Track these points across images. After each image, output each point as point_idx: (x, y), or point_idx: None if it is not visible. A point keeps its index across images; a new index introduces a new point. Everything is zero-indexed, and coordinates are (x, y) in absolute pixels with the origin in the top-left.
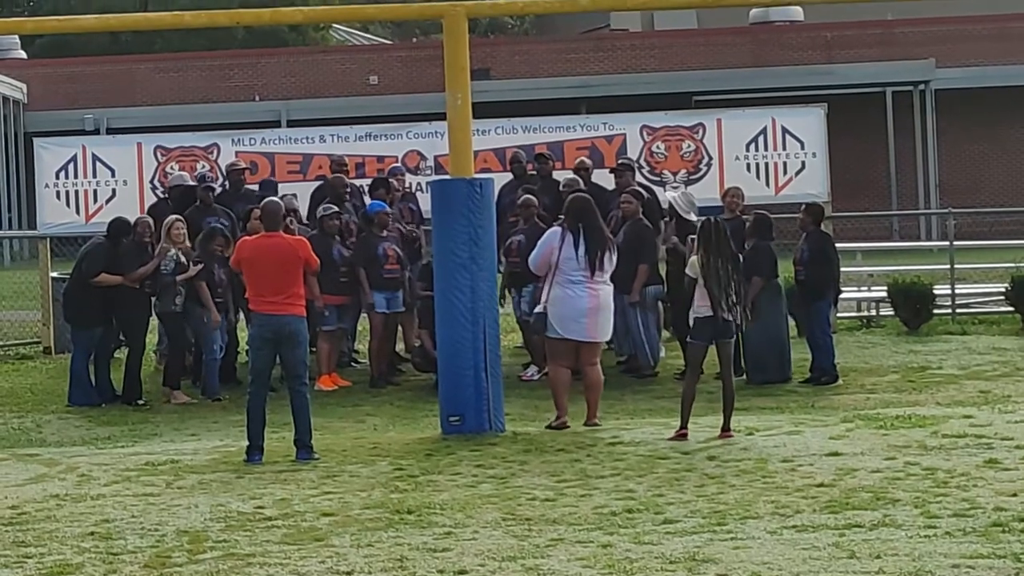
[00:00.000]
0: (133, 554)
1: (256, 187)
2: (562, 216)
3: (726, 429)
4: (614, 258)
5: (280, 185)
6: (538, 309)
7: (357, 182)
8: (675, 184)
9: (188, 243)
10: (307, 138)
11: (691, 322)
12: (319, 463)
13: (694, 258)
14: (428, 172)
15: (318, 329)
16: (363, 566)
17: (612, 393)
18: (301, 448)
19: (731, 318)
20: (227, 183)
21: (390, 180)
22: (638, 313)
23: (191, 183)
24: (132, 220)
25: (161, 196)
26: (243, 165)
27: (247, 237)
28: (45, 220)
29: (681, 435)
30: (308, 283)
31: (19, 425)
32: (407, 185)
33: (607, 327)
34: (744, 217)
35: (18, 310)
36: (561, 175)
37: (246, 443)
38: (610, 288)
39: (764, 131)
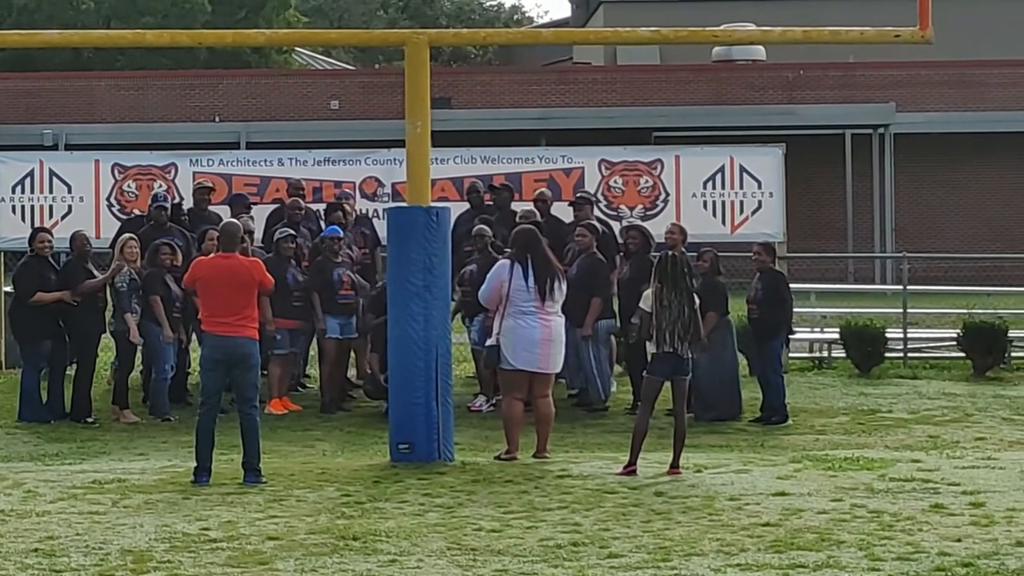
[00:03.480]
0: (76, 572)
1: (228, 207)
2: (509, 248)
3: (675, 466)
4: (563, 287)
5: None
6: (491, 342)
7: (314, 206)
8: (631, 219)
9: (139, 262)
10: (265, 161)
11: (648, 357)
12: (266, 487)
13: (648, 291)
14: (385, 199)
15: (270, 353)
16: None
17: (562, 426)
18: (249, 471)
19: (684, 354)
20: (193, 202)
21: (344, 205)
22: (590, 347)
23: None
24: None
25: (135, 214)
26: (209, 185)
27: (202, 257)
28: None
29: (630, 470)
30: (261, 305)
31: None
32: (359, 209)
33: (559, 359)
34: (690, 254)
35: None
36: (518, 206)
37: (194, 464)
38: (562, 319)
39: (722, 169)
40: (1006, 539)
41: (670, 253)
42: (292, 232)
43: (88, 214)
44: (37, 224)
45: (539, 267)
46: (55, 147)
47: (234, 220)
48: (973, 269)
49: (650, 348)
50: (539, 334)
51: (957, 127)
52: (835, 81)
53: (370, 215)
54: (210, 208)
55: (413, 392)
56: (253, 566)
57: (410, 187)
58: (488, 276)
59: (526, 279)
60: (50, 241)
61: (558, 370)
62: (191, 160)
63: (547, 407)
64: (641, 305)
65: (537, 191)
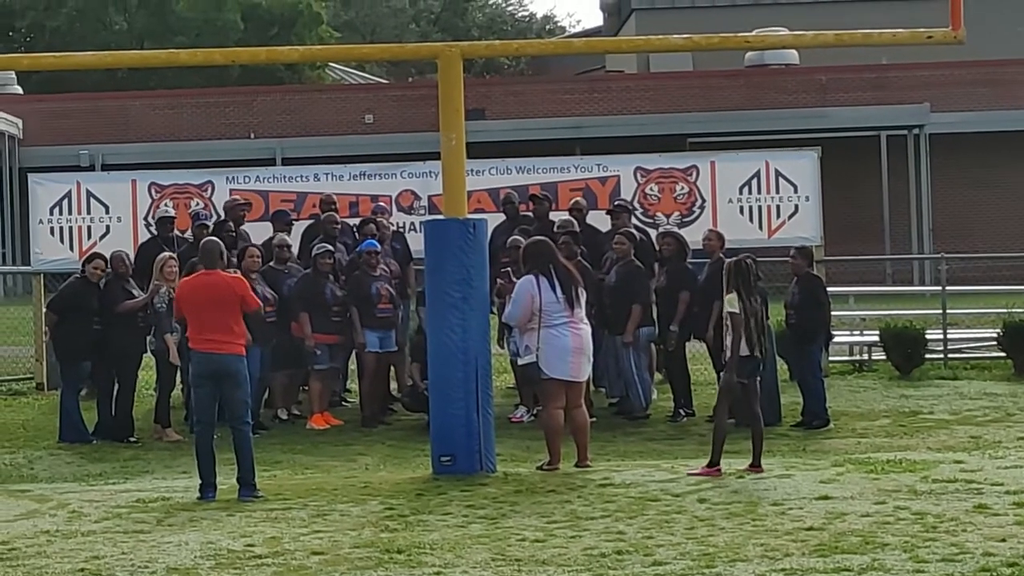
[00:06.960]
0: None
1: (271, 223)
2: (524, 263)
3: (756, 465)
4: (584, 293)
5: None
6: (529, 358)
7: (350, 221)
8: (667, 226)
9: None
10: (301, 176)
11: (727, 359)
12: (310, 502)
13: (731, 296)
14: (422, 212)
15: (310, 368)
16: None
17: (603, 435)
18: (244, 487)
19: (761, 356)
20: (226, 220)
21: (378, 219)
22: (631, 354)
23: (170, 214)
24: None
25: (152, 234)
26: (242, 201)
27: (187, 277)
28: (39, 256)
29: (715, 470)
30: (299, 321)
31: (10, 461)
32: (396, 225)
33: (588, 367)
34: (729, 260)
35: (11, 346)
36: (555, 216)
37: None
38: (589, 327)
39: (757, 174)
40: None
41: (743, 259)
42: (330, 247)
43: (126, 234)
44: (75, 245)
45: (562, 276)
46: (92, 168)
47: (214, 238)
48: (1011, 268)
49: (742, 351)
50: (571, 342)
51: (991, 126)
52: (868, 83)
53: (406, 229)
54: (244, 225)
55: (453, 404)
56: None
57: (446, 199)
58: (514, 297)
59: (554, 290)
60: (104, 269)
61: (587, 378)
62: (228, 177)
63: (582, 416)
64: (729, 309)
65: (572, 200)
